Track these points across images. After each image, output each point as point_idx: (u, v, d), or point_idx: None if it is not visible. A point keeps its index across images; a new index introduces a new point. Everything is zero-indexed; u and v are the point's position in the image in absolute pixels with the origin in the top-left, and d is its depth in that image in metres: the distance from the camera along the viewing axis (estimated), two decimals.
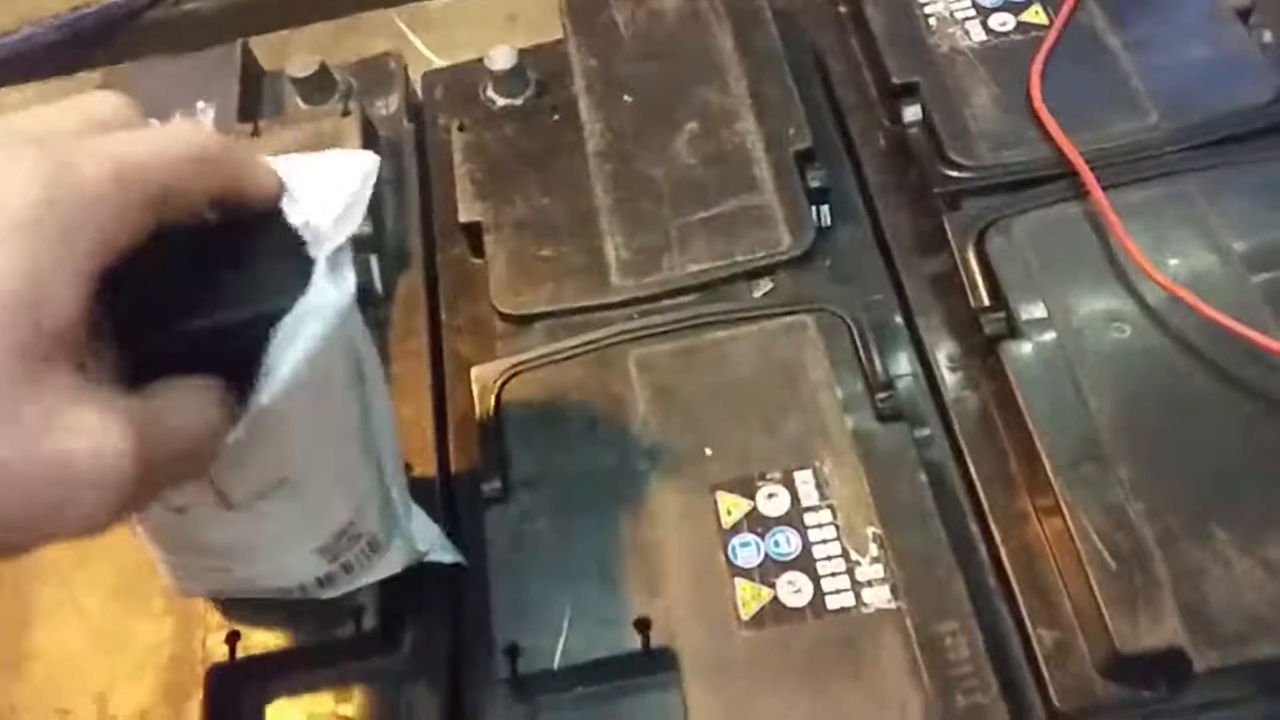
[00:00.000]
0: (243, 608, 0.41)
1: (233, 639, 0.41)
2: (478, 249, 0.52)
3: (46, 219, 0.25)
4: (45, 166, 0.25)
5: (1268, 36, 0.52)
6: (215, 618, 0.41)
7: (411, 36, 0.72)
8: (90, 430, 0.26)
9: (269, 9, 0.72)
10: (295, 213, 0.31)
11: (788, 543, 0.41)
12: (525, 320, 0.49)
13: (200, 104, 0.59)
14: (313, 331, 0.30)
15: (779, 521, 0.41)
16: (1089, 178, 0.46)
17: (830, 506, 0.41)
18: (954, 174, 0.49)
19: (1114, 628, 0.37)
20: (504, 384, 0.46)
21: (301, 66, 0.59)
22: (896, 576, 0.40)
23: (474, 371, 0.47)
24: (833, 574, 0.40)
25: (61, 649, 0.42)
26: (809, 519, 0.41)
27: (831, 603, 0.39)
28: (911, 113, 0.52)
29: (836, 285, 0.49)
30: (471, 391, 0.46)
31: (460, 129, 0.55)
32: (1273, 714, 0.38)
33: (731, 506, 0.42)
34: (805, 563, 0.40)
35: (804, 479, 0.42)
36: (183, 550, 0.38)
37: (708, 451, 0.43)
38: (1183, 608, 0.37)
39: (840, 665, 0.38)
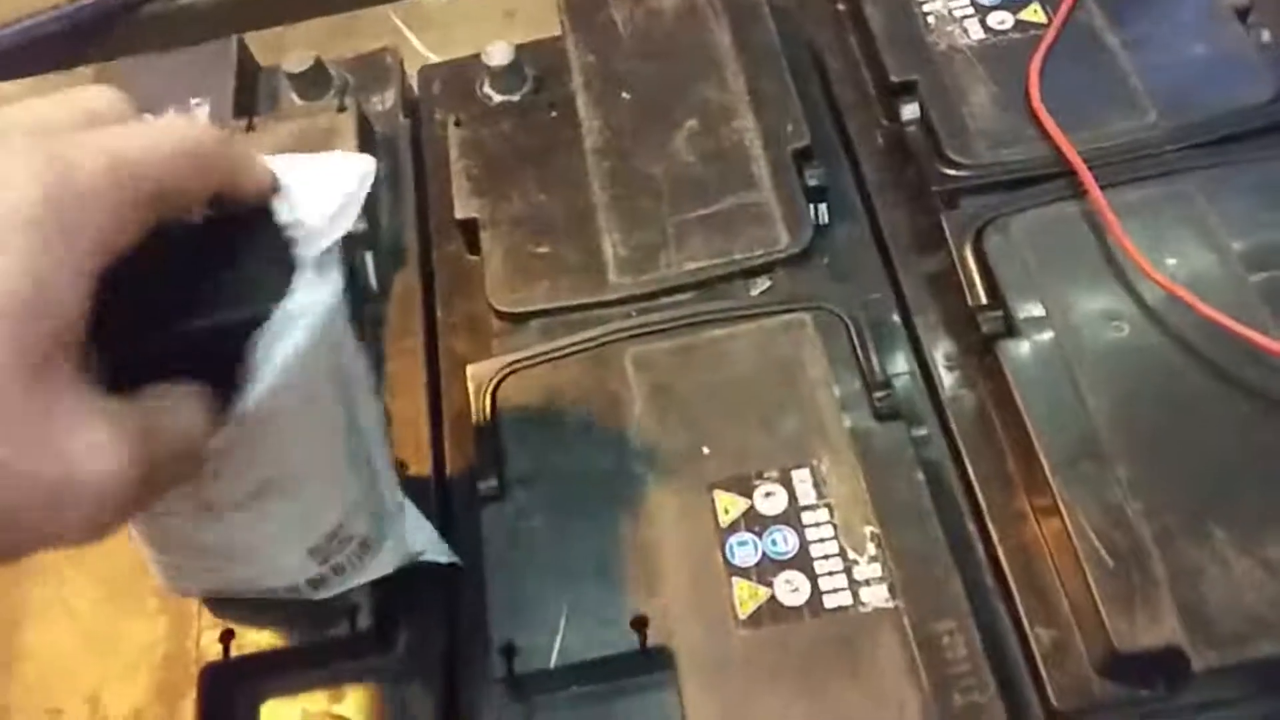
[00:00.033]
0: (237, 607, 0.41)
1: (227, 638, 0.41)
2: (474, 246, 0.52)
3: (48, 219, 0.25)
4: (45, 164, 0.25)
5: (1266, 36, 0.52)
6: (209, 617, 0.41)
7: (408, 33, 0.71)
8: (93, 437, 0.25)
9: (265, 4, 0.72)
10: (287, 211, 0.31)
11: (785, 542, 0.41)
12: (522, 318, 0.49)
13: (195, 99, 0.59)
14: (296, 334, 0.30)
15: (776, 520, 0.41)
16: (1087, 177, 0.46)
17: (828, 505, 0.41)
18: (952, 172, 0.49)
19: (1112, 626, 0.37)
20: (500, 382, 0.46)
21: (297, 62, 0.58)
22: (894, 575, 0.40)
23: (470, 369, 0.47)
24: (830, 573, 0.40)
25: (54, 648, 0.42)
26: (806, 518, 0.41)
27: (829, 602, 0.39)
28: (909, 111, 0.52)
29: (834, 283, 0.48)
30: (467, 389, 0.46)
31: (457, 125, 0.55)
32: (1271, 713, 0.38)
33: (729, 505, 0.42)
34: (803, 562, 0.40)
35: (801, 478, 0.42)
36: (173, 551, 0.38)
37: (705, 450, 0.43)
38: (1181, 607, 0.37)
39: (838, 664, 0.38)
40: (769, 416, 0.44)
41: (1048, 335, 0.43)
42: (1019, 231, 0.46)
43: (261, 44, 0.64)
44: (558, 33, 0.59)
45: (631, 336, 0.47)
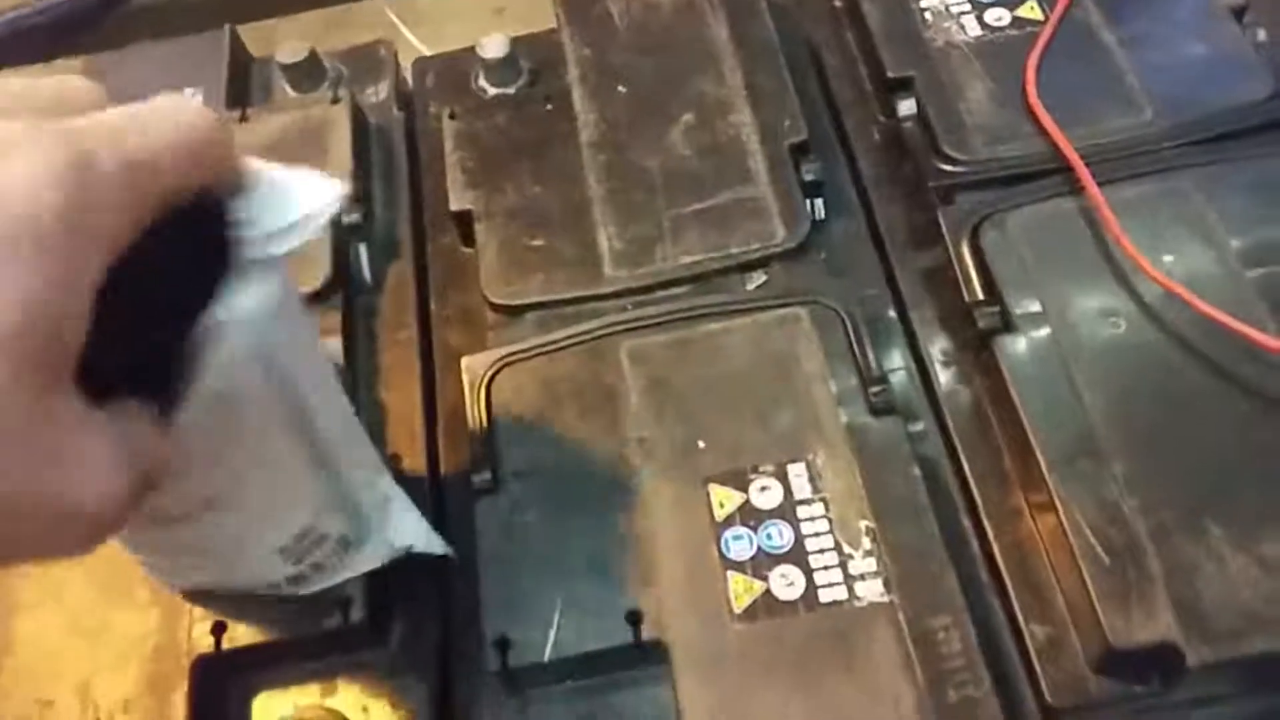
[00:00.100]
0: (228, 599, 0.40)
1: (218, 630, 0.40)
2: (468, 238, 0.52)
3: (66, 230, 0.23)
4: (67, 167, 0.23)
5: (1262, 35, 0.52)
6: (200, 609, 0.41)
7: (401, 27, 0.71)
8: (93, 456, 0.25)
9: None
10: (243, 211, 0.29)
11: (780, 536, 0.41)
12: (516, 311, 0.49)
13: (188, 90, 0.59)
14: (227, 343, 0.29)
15: (772, 514, 0.41)
16: (1084, 173, 0.46)
17: (823, 500, 0.41)
18: (948, 168, 0.49)
19: (1107, 622, 0.37)
20: (495, 375, 0.46)
21: (291, 53, 0.58)
22: (889, 570, 0.39)
23: (464, 362, 0.46)
24: (825, 567, 0.40)
25: (44, 639, 0.41)
26: (802, 512, 0.41)
27: (824, 596, 0.39)
28: (906, 107, 0.52)
29: (830, 278, 0.48)
30: (462, 382, 0.46)
31: (451, 117, 0.55)
32: (1266, 709, 0.38)
33: (724, 499, 0.42)
34: (798, 556, 0.40)
35: (797, 472, 0.42)
36: (146, 552, 0.38)
37: (700, 444, 0.43)
38: (1176, 603, 0.37)
39: (832, 659, 0.38)
40: (765, 411, 0.43)
41: (1044, 331, 0.43)
42: (1016, 227, 0.46)
43: (255, 37, 0.63)
44: (549, 27, 0.58)
45: (627, 330, 0.46)
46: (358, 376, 0.48)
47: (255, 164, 0.30)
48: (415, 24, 0.71)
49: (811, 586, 0.39)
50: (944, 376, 0.46)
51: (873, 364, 0.44)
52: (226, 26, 0.61)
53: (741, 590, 0.40)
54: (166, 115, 0.27)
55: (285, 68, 0.58)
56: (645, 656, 0.39)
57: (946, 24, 0.54)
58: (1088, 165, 0.46)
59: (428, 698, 0.40)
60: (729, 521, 0.41)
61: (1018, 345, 0.43)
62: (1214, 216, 0.45)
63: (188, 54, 0.61)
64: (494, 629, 0.39)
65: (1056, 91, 0.50)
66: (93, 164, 0.24)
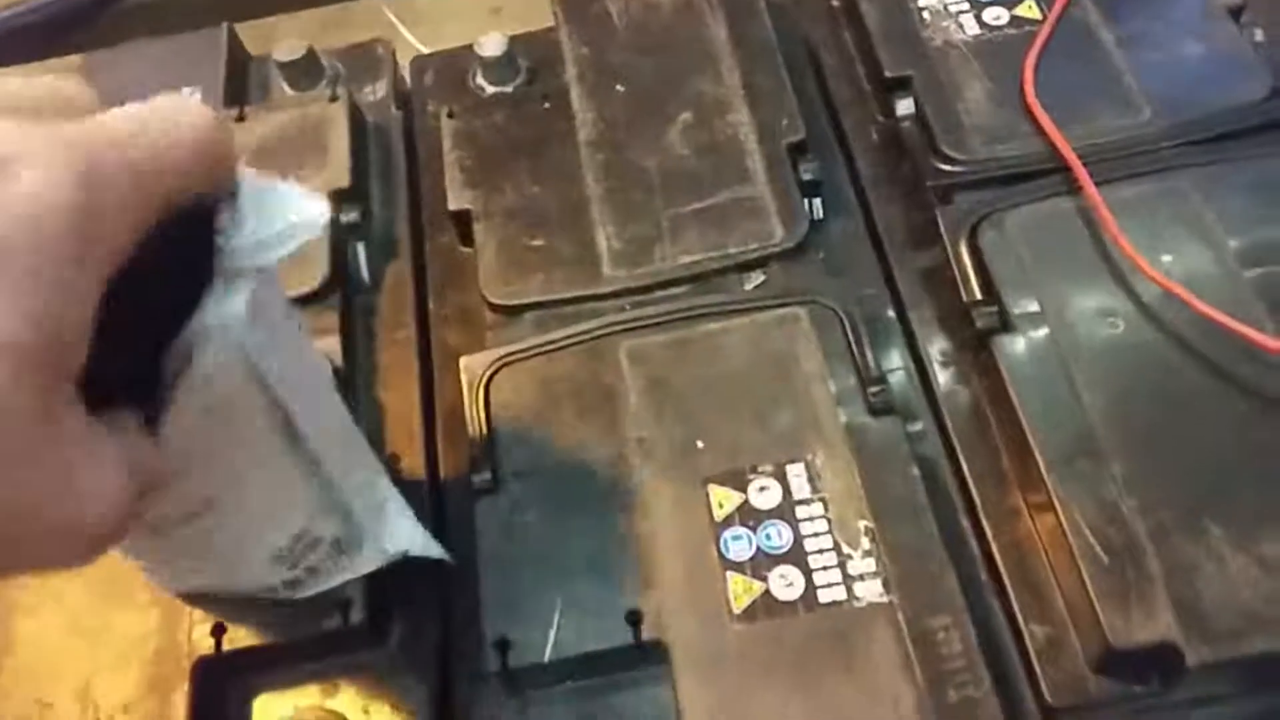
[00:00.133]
0: (228, 601, 0.40)
1: (219, 631, 0.40)
2: (467, 238, 0.52)
3: (73, 244, 0.23)
4: (73, 170, 0.23)
5: (1259, 35, 0.52)
6: (201, 610, 0.41)
7: (399, 26, 0.71)
8: (99, 473, 0.25)
9: None
10: (228, 219, 0.29)
11: (779, 536, 0.41)
12: (515, 310, 0.49)
13: (185, 89, 0.59)
14: (203, 355, 0.28)
15: (771, 515, 0.41)
16: (1082, 173, 0.46)
17: (822, 500, 0.41)
18: (946, 168, 0.49)
19: (1106, 622, 0.37)
20: (493, 375, 0.46)
21: (288, 51, 0.58)
22: (888, 570, 0.39)
23: (463, 362, 0.46)
24: (824, 567, 0.40)
25: (44, 641, 0.41)
26: (801, 512, 0.41)
27: (823, 596, 0.39)
28: (904, 106, 0.52)
29: (829, 278, 0.48)
30: (460, 382, 0.46)
31: (450, 116, 0.55)
32: (1265, 709, 0.38)
33: (723, 499, 0.42)
34: (797, 556, 0.40)
35: (796, 472, 0.42)
36: (142, 556, 0.37)
37: (699, 444, 0.43)
38: (1176, 602, 0.37)
39: (832, 659, 0.38)
40: (764, 411, 0.44)
41: (1043, 331, 0.43)
42: (1014, 227, 0.46)
43: (251, 35, 0.63)
44: (546, 26, 0.58)
45: (626, 330, 0.46)
46: (356, 376, 0.48)
47: (244, 170, 0.30)
48: (413, 23, 0.71)
49: (811, 587, 0.39)
50: (943, 376, 0.46)
51: (871, 364, 0.44)
52: (224, 24, 0.61)
53: (741, 590, 0.40)
54: (170, 119, 0.26)
55: (283, 66, 0.58)
56: (645, 657, 0.39)
57: (944, 23, 0.54)
58: (1086, 165, 0.46)
59: (428, 698, 0.40)
60: (728, 522, 0.41)
61: (1016, 345, 0.43)
62: (1212, 216, 0.45)
63: (184, 52, 0.60)
64: (494, 629, 0.39)
65: (1055, 91, 0.50)
66: (100, 173, 0.24)
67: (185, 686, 0.40)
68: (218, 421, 0.31)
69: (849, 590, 0.39)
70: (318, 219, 0.30)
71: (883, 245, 0.50)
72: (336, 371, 0.46)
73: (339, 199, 0.51)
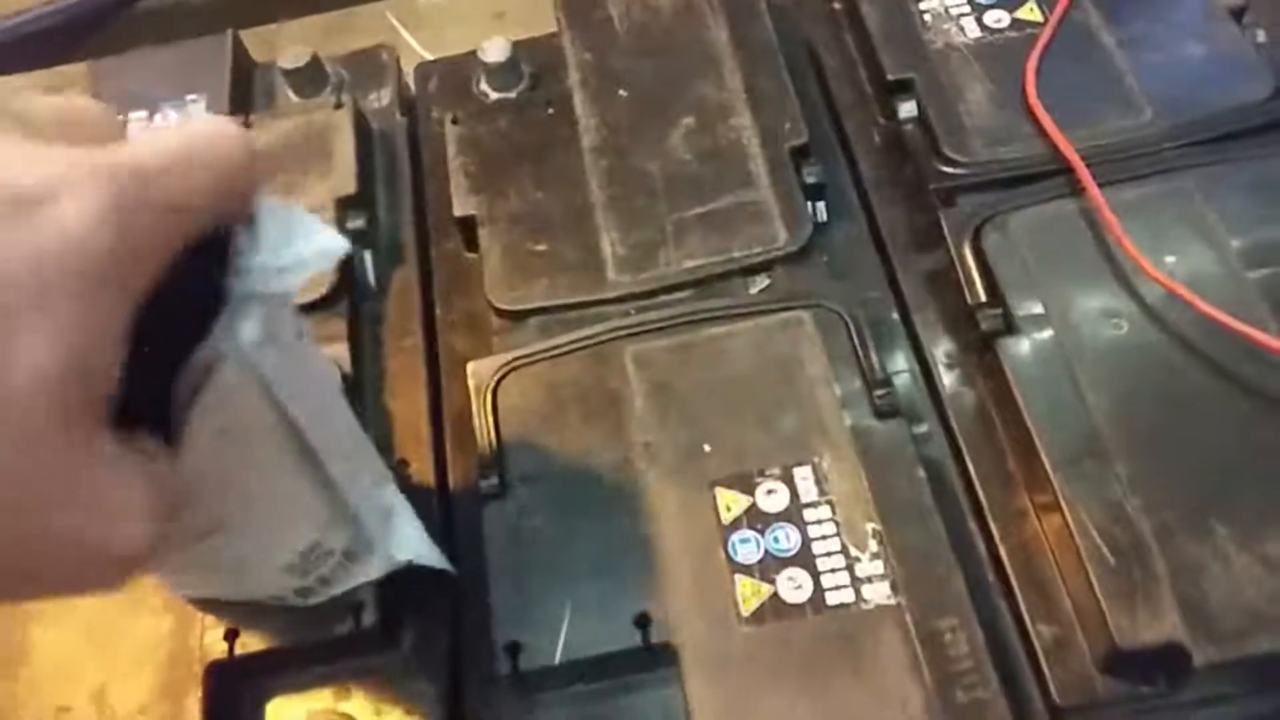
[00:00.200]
0: (241, 605, 0.41)
1: (231, 636, 0.40)
2: (472, 243, 0.52)
3: (108, 271, 0.23)
4: (112, 202, 0.23)
5: (1261, 36, 0.52)
6: (213, 615, 0.41)
7: (403, 32, 0.71)
8: (130, 501, 0.25)
9: (258, 1, 0.72)
10: (246, 242, 0.29)
11: (787, 539, 0.41)
12: (521, 315, 0.49)
13: (190, 95, 0.59)
14: (216, 379, 0.28)
15: (778, 518, 0.41)
16: (1084, 174, 0.46)
17: (829, 503, 0.41)
18: (949, 170, 0.49)
19: (1113, 623, 0.37)
20: (500, 380, 0.46)
21: (293, 58, 0.58)
22: (896, 572, 0.40)
23: (470, 367, 0.47)
24: (832, 570, 0.40)
25: (60, 646, 0.41)
26: (808, 515, 0.41)
27: (831, 599, 0.39)
28: (906, 109, 0.52)
29: (833, 281, 0.49)
30: (467, 387, 0.46)
31: (454, 122, 0.55)
32: (1272, 709, 0.38)
33: (731, 503, 0.42)
34: (805, 559, 0.40)
35: (803, 475, 0.42)
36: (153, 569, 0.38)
37: (706, 448, 0.43)
38: (1182, 603, 0.37)
39: (840, 661, 0.38)
40: (769, 414, 0.44)
41: (1047, 333, 0.43)
42: (1017, 229, 0.46)
43: (254, 41, 0.63)
44: (549, 31, 0.59)
45: (631, 334, 0.47)
46: (363, 383, 0.48)
47: (263, 194, 0.30)
48: (416, 28, 0.71)
49: (819, 589, 0.40)
50: (948, 379, 0.46)
51: (876, 367, 0.44)
52: (229, 31, 0.61)
53: (749, 593, 0.40)
54: (206, 148, 0.26)
55: (288, 73, 0.58)
56: (654, 659, 0.39)
57: (946, 26, 0.54)
58: (1088, 166, 0.46)
59: (439, 701, 0.41)
60: (736, 525, 0.41)
61: (1020, 347, 0.43)
62: (1215, 217, 0.45)
63: (190, 59, 0.61)
64: (504, 633, 0.40)
65: (1056, 93, 0.50)
66: (136, 206, 0.24)
67: (199, 691, 0.40)
68: (232, 443, 0.31)
69: (857, 592, 0.39)
70: (333, 251, 0.30)
71: (886, 248, 0.50)
72: (344, 378, 0.46)
73: (345, 205, 0.52)
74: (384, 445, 0.46)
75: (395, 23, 0.71)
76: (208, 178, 0.26)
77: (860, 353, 0.45)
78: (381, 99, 0.60)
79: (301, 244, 0.29)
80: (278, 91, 0.60)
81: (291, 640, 0.41)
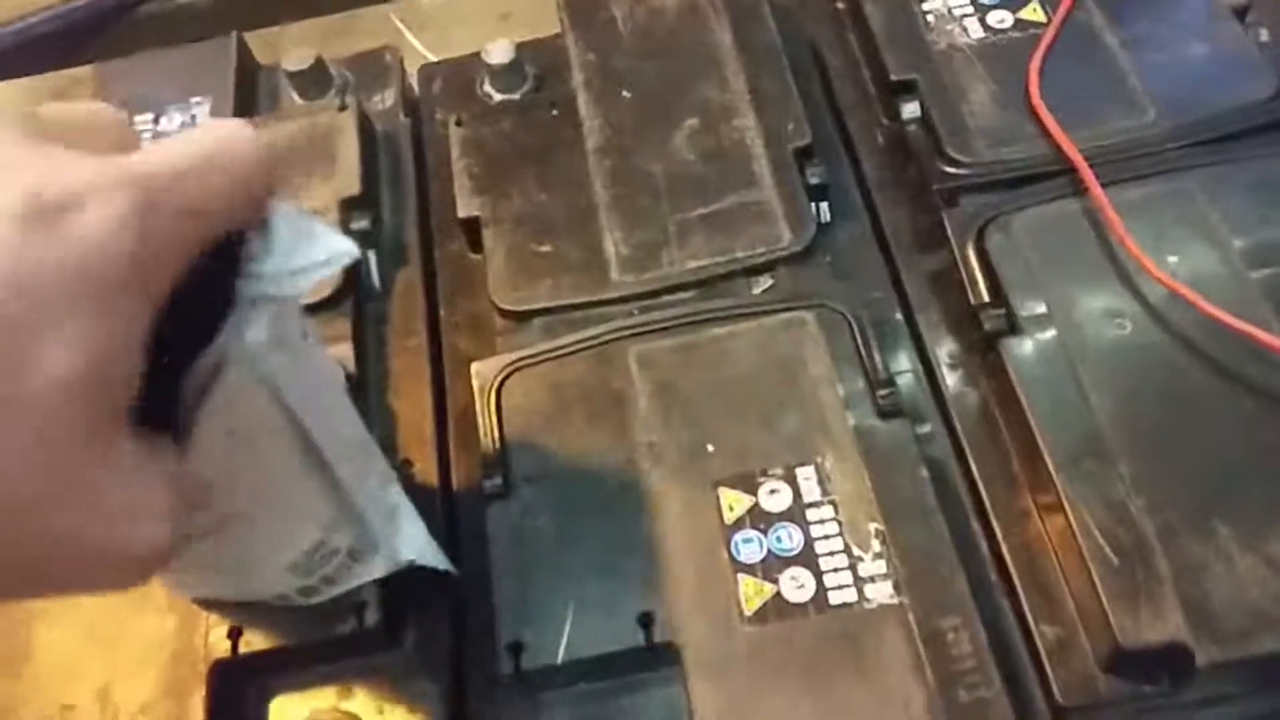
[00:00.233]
0: (245, 604, 0.41)
1: (235, 635, 0.41)
2: (476, 244, 0.52)
3: (130, 278, 0.23)
4: (134, 210, 0.23)
5: (1264, 35, 0.52)
6: (217, 614, 0.41)
7: (406, 33, 0.71)
8: (149, 503, 0.25)
9: (262, 4, 0.72)
10: (258, 245, 0.29)
11: (790, 538, 0.41)
12: (524, 316, 0.49)
13: (195, 98, 0.59)
14: (223, 380, 0.29)
15: (781, 517, 0.41)
16: (1088, 174, 0.46)
17: (832, 502, 0.41)
18: (952, 170, 0.49)
19: (1116, 622, 0.37)
20: (504, 380, 0.46)
21: (297, 60, 0.58)
22: (899, 572, 0.40)
23: (474, 367, 0.47)
24: (835, 569, 0.40)
25: (64, 645, 0.42)
26: (811, 515, 0.41)
27: (834, 598, 0.39)
28: (910, 109, 0.52)
29: (836, 282, 0.49)
30: (471, 387, 0.46)
31: (458, 124, 0.55)
32: (1274, 709, 0.38)
33: (734, 502, 0.42)
34: (808, 558, 0.40)
35: (806, 475, 0.42)
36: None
37: (709, 447, 0.43)
38: (1185, 603, 0.37)
39: (843, 660, 0.38)
40: (772, 414, 0.44)
41: (1050, 333, 0.43)
42: (1020, 229, 0.46)
43: (260, 44, 0.64)
44: (554, 32, 0.59)
45: (634, 335, 0.47)
46: (368, 383, 0.49)
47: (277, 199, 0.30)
48: (420, 29, 0.72)
49: (821, 589, 0.40)
50: (951, 379, 0.46)
51: (880, 367, 0.45)
52: (233, 34, 0.61)
53: (752, 593, 0.40)
54: (223, 153, 0.27)
55: (292, 75, 0.58)
56: (657, 659, 0.39)
57: (949, 26, 0.54)
58: (1091, 167, 0.46)
59: (442, 700, 0.41)
60: (739, 524, 0.41)
61: (1024, 347, 0.43)
62: (1218, 217, 0.45)
63: (195, 61, 0.61)
64: (507, 632, 0.40)
65: (1060, 93, 0.50)
66: (157, 213, 0.24)
67: (202, 689, 0.40)
68: (239, 443, 0.31)
69: (860, 592, 0.40)
70: (345, 256, 0.30)
71: (890, 248, 0.51)
72: (349, 378, 0.46)
73: (349, 207, 0.52)
74: (388, 445, 0.46)
75: (399, 24, 0.72)
76: (225, 182, 0.26)
77: (863, 353, 0.45)
78: (385, 100, 0.60)
79: (313, 248, 0.30)
80: (282, 94, 0.60)
81: (295, 639, 0.41)
